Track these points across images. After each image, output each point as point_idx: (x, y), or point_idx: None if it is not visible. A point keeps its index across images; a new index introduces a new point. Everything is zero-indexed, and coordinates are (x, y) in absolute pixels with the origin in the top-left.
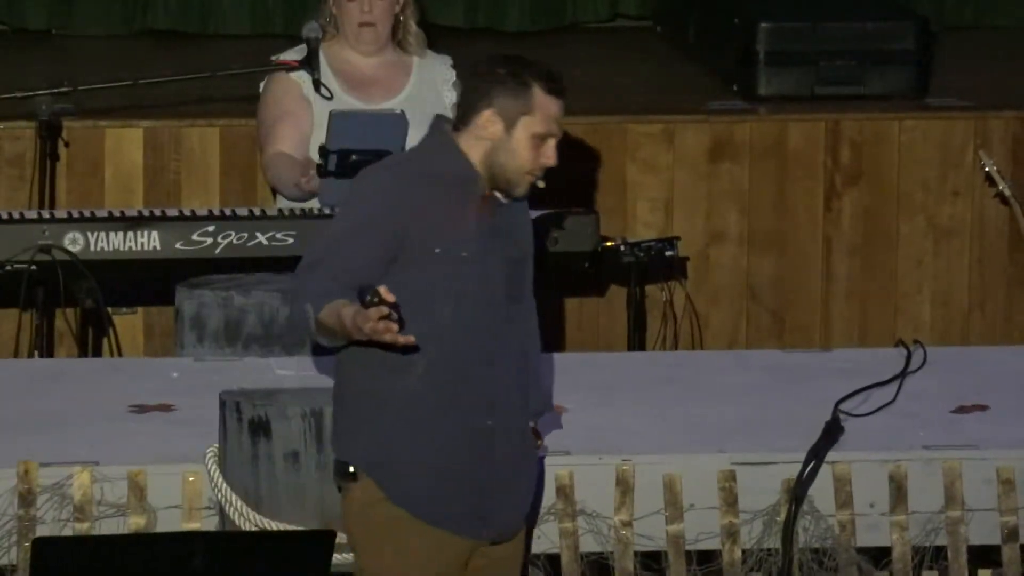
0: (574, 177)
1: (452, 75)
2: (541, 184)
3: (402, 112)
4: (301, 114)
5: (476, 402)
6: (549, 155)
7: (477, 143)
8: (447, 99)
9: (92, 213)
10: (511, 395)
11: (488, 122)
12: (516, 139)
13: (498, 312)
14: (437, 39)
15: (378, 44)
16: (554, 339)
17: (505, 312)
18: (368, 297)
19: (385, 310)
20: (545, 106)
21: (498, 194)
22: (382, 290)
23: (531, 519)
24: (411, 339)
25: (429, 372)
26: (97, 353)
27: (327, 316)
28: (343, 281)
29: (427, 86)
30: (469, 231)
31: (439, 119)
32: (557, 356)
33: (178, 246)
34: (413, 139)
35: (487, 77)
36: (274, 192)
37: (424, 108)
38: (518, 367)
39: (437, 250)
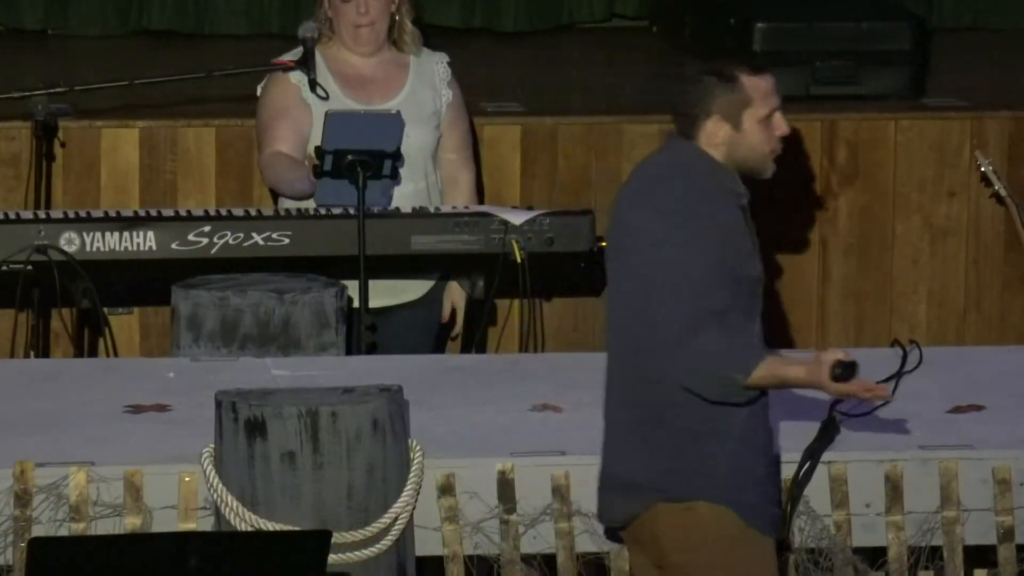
0: (570, 177)
1: (448, 72)
2: (778, 153)
3: (398, 112)
4: (299, 115)
5: (767, 412)
6: (779, 126)
7: (711, 151)
8: (444, 97)
9: (88, 213)
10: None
11: (716, 129)
12: (747, 131)
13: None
14: (433, 40)
15: (376, 44)
16: (549, 339)
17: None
18: (839, 371)
19: (871, 383)
20: (758, 89)
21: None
22: (843, 355)
23: None
24: (890, 395)
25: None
26: (93, 353)
27: (764, 379)
28: (734, 325)
29: (425, 84)
30: (753, 245)
31: (677, 137)
32: (553, 356)
33: (174, 246)
34: (412, 138)
35: (696, 88)
36: (272, 194)
37: (423, 107)
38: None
39: (753, 273)
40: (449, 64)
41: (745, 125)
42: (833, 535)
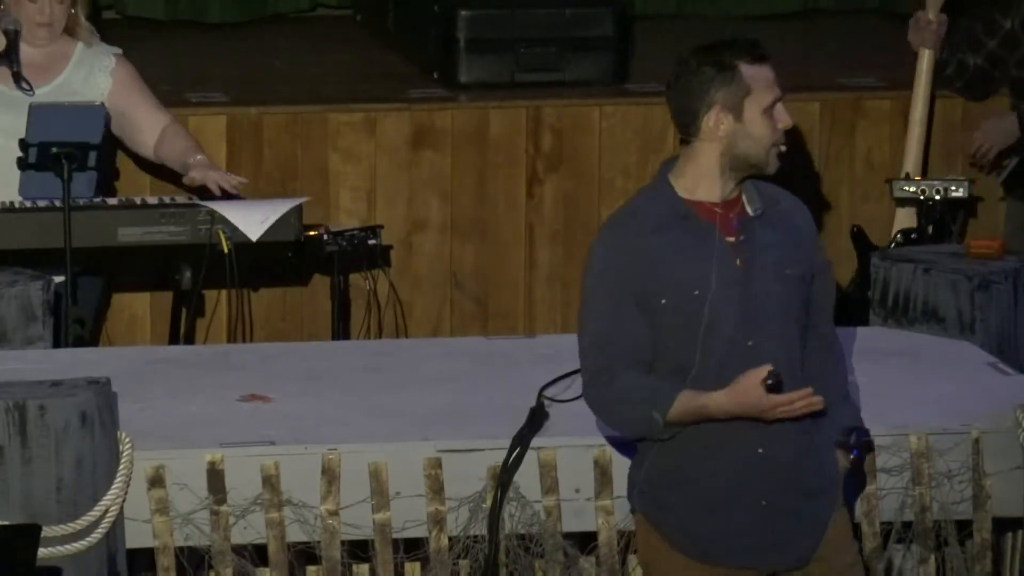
0: (275, 167)
1: (112, 63)
2: (783, 148)
3: (102, 104)
4: None
5: (742, 434)
6: (781, 118)
7: (711, 146)
8: (101, 87)
9: None
10: (785, 421)
11: (717, 121)
12: (749, 122)
13: (760, 338)
14: (138, 32)
15: (51, 39)
16: (258, 329)
17: (777, 336)
18: (771, 382)
19: (804, 391)
20: (759, 77)
21: (750, 208)
22: (772, 369)
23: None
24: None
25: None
26: None
27: (679, 415)
28: (645, 360)
29: (84, 75)
30: (701, 268)
31: (664, 165)
32: (262, 346)
33: None
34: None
35: (694, 79)
36: None
37: (75, 96)
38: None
39: (663, 301)
40: (121, 55)
41: (747, 115)
42: (543, 521)
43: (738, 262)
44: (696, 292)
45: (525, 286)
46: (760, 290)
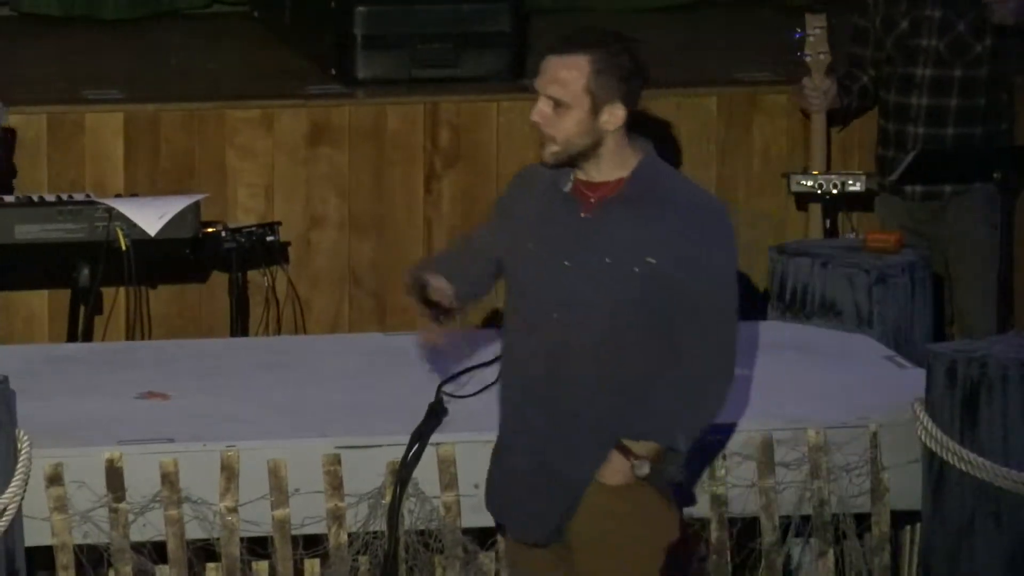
0: (173, 163)
1: None
2: (543, 139)
3: (1, 104)
4: None
5: (511, 404)
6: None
7: None
8: None
9: None
10: (545, 406)
11: None
12: None
13: (567, 316)
14: (33, 29)
15: None
16: (156, 326)
17: (588, 321)
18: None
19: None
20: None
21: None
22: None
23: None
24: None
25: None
26: None
27: None
28: None
29: None
30: (533, 226)
31: None
32: (160, 343)
33: None
34: None
35: None
36: None
37: None
38: (609, 383)
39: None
40: None
41: None
42: (442, 516)
43: (574, 239)
44: (530, 245)
45: None
46: (583, 269)
